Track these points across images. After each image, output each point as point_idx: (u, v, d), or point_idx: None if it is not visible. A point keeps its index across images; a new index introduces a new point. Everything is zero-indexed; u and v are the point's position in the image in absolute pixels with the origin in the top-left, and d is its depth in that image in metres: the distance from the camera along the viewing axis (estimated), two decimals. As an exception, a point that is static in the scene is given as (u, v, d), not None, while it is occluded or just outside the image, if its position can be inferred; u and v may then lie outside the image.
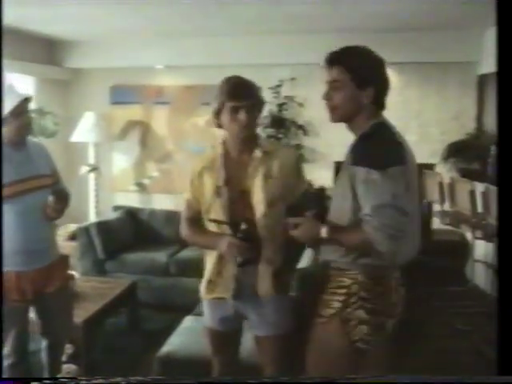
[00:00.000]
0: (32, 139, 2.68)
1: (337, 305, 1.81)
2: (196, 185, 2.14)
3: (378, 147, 1.73)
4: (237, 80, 2.05)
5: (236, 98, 1.99)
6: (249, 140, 2.07)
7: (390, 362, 1.90)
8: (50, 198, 2.45)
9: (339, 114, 1.82)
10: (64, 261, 2.75)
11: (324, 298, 1.87)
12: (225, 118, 2.03)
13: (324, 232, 1.76)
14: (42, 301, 2.59)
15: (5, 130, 2.44)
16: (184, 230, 2.23)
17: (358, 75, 1.76)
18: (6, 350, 2.53)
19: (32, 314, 2.67)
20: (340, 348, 1.80)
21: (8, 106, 2.41)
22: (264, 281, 2.08)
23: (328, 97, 1.82)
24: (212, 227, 2.13)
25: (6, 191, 2.39)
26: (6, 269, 2.39)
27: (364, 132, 1.79)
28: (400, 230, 1.66)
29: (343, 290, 1.80)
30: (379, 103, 1.82)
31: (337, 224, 1.80)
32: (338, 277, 1.83)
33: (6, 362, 2.53)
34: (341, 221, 1.80)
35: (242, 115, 1.99)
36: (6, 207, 2.39)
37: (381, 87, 1.81)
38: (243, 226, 1.99)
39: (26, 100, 2.50)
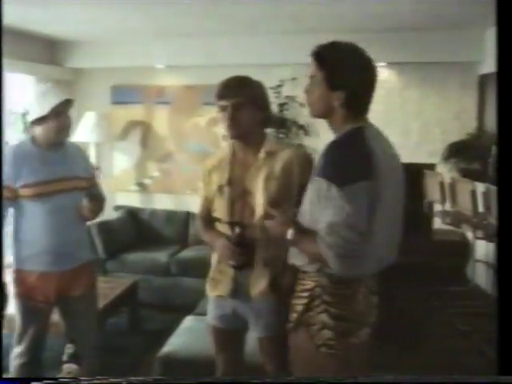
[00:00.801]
0: (71, 141, 2.65)
1: (300, 308, 1.76)
2: (206, 183, 2.18)
3: (344, 159, 1.62)
4: (227, 80, 2.05)
5: (221, 97, 2.00)
6: (247, 139, 2.07)
7: (389, 363, 1.88)
8: (84, 201, 2.44)
9: (313, 110, 1.75)
10: (92, 265, 2.70)
11: (291, 302, 1.82)
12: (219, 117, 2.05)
13: (290, 234, 1.72)
14: (65, 304, 2.55)
15: (43, 128, 2.41)
16: (198, 228, 2.27)
17: (331, 74, 1.66)
18: (21, 348, 2.51)
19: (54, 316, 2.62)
20: (306, 353, 1.75)
21: (47, 105, 2.38)
22: (257, 283, 2.06)
23: (307, 91, 1.75)
24: (218, 226, 2.15)
25: (33, 190, 2.38)
26: (29, 268, 2.40)
27: (335, 139, 1.70)
28: (352, 250, 1.58)
29: (306, 294, 1.74)
30: (354, 108, 1.68)
31: (305, 229, 1.72)
32: (302, 280, 1.78)
33: (18, 361, 2.51)
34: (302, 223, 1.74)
35: (226, 115, 2.00)
36: (35, 206, 2.39)
37: (356, 91, 1.66)
38: (237, 230, 1.99)
39: (68, 101, 2.46)
